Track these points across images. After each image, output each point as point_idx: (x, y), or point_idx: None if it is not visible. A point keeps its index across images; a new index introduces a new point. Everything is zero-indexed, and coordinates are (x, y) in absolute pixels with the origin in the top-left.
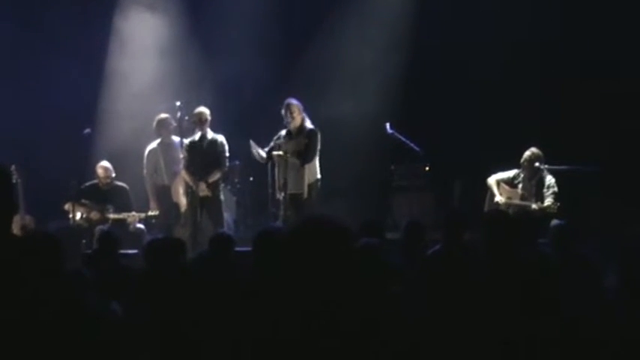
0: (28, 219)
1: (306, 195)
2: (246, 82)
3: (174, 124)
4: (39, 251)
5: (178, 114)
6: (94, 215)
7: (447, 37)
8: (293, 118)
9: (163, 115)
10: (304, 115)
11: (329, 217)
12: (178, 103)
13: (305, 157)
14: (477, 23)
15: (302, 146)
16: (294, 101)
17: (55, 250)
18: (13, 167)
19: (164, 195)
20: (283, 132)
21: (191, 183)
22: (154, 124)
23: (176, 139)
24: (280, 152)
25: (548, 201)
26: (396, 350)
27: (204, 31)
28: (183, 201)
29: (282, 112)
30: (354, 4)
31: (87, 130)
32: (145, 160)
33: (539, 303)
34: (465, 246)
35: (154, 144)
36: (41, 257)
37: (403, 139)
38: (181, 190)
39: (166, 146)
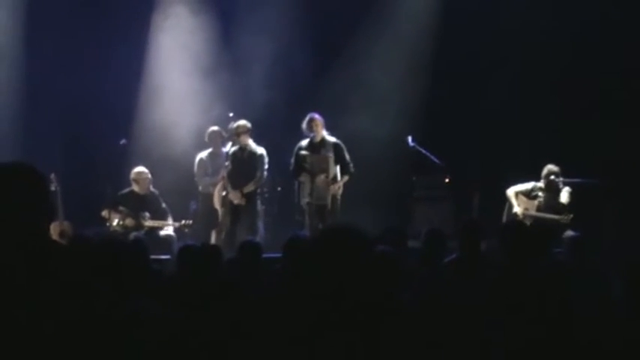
0: (67, 225)
1: (329, 206)
2: (273, 95)
3: (225, 135)
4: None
5: (231, 124)
6: (129, 222)
7: (468, 55)
8: (317, 132)
9: (215, 128)
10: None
11: (351, 225)
12: (231, 114)
13: (347, 169)
14: (497, 41)
15: (327, 161)
16: (317, 116)
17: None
18: (52, 175)
19: (206, 202)
20: (303, 143)
21: (228, 190)
22: (206, 135)
23: (224, 150)
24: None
25: (563, 197)
26: (409, 351)
27: (235, 45)
28: (220, 209)
29: (304, 125)
30: (380, 22)
31: (123, 141)
32: (195, 168)
33: (554, 311)
34: (481, 255)
35: (204, 153)
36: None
37: (424, 151)
38: (219, 199)
39: (215, 156)
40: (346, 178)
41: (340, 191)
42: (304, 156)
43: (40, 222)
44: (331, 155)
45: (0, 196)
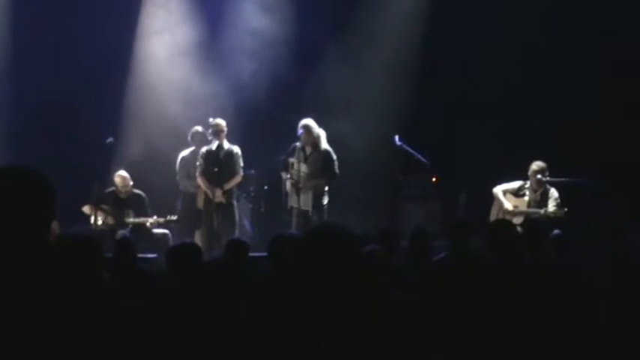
0: (54, 223)
1: (311, 211)
2: (262, 96)
3: (209, 138)
4: (80, 257)
5: (210, 130)
6: (111, 220)
7: (455, 56)
8: (307, 138)
9: (199, 129)
10: (319, 133)
11: (338, 224)
12: (211, 120)
13: (330, 178)
14: (482, 42)
15: (318, 168)
16: (307, 121)
17: (96, 256)
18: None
19: (191, 202)
20: (298, 144)
21: (207, 190)
22: (190, 135)
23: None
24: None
25: (551, 208)
26: (398, 352)
27: (222, 45)
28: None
29: (299, 131)
30: (368, 22)
31: (110, 139)
32: (177, 166)
33: (543, 307)
34: (470, 253)
35: (186, 151)
36: (83, 263)
37: (411, 150)
38: (204, 199)
39: (197, 155)
40: (321, 181)
41: (324, 197)
42: (292, 162)
43: (43, 226)
44: (318, 165)
45: (8, 199)
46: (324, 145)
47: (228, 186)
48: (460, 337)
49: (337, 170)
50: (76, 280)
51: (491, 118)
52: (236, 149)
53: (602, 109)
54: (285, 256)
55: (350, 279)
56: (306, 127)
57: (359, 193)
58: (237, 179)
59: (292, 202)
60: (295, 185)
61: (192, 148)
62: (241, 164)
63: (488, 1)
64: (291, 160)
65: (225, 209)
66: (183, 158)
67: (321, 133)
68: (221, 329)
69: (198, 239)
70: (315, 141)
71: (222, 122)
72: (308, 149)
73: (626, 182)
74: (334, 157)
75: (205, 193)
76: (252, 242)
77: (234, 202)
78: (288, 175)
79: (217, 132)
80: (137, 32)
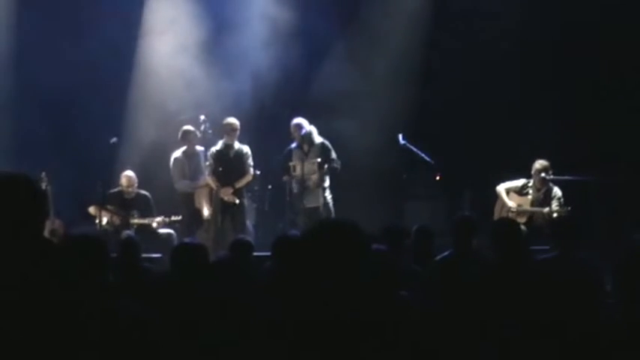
0: (58, 223)
1: (321, 208)
2: (267, 94)
3: (199, 135)
4: (85, 255)
5: (202, 127)
6: (116, 220)
7: (458, 54)
8: (303, 136)
9: (189, 128)
10: (311, 129)
11: (344, 220)
12: (202, 117)
13: (330, 166)
14: (486, 42)
15: (320, 161)
16: (300, 121)
17: (101, 256)
18: (43, 174)
19: (188, 202)
20: (294, 145)
21: (216, 189)
22: (180, 134)
23: (200, 148)
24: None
25: (554, 207)
26: (404, 351)
27: (225, 47)
28: (205, 208)
29: (302, 130)
30: (370, 20)
31: (113, 140)
32: (171, 168)
33: (546, 309)
34: (474, 251)
35: (178, 152)
36: (87, 261)
37: (415, 149)
38: (204, 198)
39: (191, 155)
40: (324, 171)
41: (327, 193)
42: (293, 166)
43: (37, 228)
44: (318, 160)
45: (3, 204)
46: (318, 138)
47: (239, 185)
48: (463, 335)
49: (336, 157)
50: (81, 280)
51: (492, 118)
52: (246, 149)
53: (602, 109)
54: (289, 256)
55: (355, 276)
56: (301, 126)
57: (363, 192)
58: (248, 178)
59: (301, 204)
60: (302, 184)
61: (183, 148)
62: (251, 163)
63: (488, 1)
64: (292, 163)
65: (235, 208)
66: (176, 159)
67: (313, 129)
68: (225, 329)
69: (200, 239)
70: (309, 137)
71: (235, 121)
72: (305, 147)
73: (626, 182)
74: (330, 145)
75: (213, 192)
76: (254, 243)
77: (245, 202)
78: (287, 177)
79: (231, 130)
80: (141, 30)
